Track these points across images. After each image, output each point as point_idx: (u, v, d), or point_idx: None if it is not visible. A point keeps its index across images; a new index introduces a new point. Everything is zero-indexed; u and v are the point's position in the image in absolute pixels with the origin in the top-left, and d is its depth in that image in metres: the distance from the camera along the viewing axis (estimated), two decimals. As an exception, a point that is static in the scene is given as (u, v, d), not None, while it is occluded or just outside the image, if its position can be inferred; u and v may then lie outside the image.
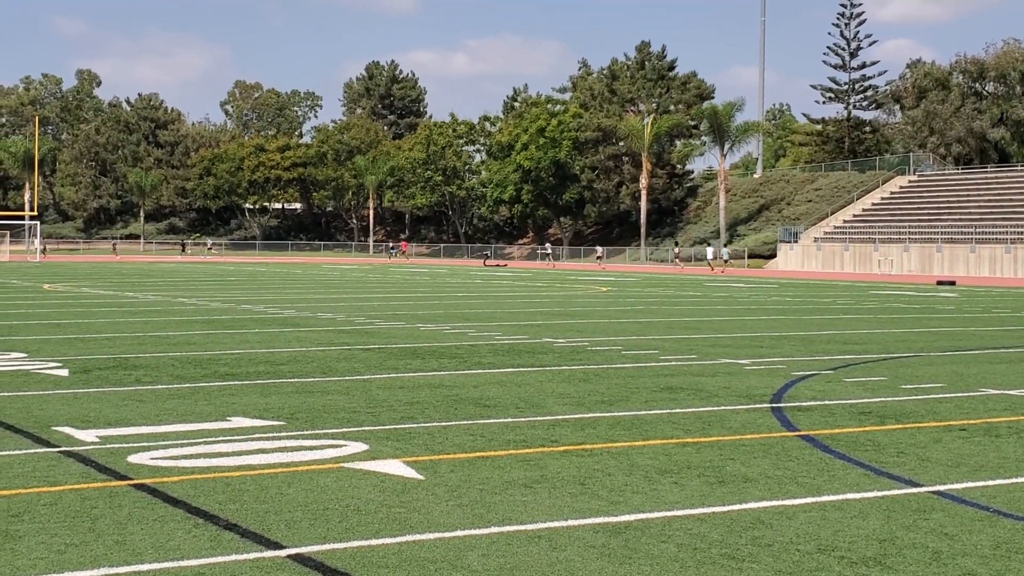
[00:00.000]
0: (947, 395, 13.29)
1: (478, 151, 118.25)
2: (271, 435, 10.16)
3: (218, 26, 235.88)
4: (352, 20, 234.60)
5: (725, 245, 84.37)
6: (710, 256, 77.45)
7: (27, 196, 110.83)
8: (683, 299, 34.98)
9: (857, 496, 8.02)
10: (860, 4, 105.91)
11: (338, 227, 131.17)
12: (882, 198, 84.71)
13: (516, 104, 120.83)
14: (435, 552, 6.48)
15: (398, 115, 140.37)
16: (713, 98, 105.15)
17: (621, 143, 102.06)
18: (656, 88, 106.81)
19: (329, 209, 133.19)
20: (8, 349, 17.65)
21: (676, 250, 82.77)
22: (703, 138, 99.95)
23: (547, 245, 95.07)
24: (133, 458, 9.05)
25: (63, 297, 33.44)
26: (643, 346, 18.92)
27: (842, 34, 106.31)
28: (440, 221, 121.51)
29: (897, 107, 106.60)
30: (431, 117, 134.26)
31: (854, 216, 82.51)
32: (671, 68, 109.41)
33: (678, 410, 11.89)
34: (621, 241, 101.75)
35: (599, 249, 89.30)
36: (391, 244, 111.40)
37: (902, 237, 73.17)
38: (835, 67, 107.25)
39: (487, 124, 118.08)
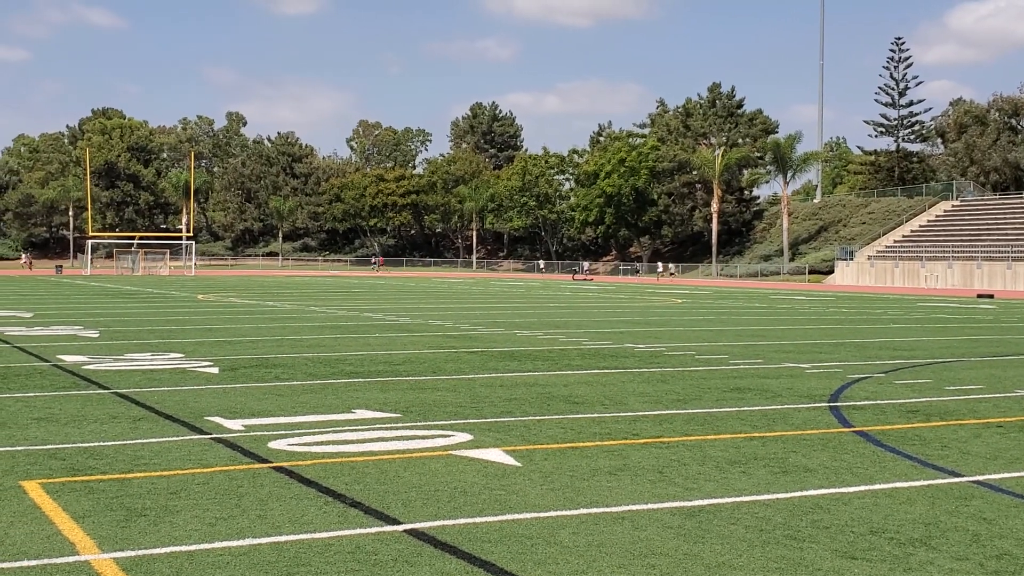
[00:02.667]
0: (986, 396, 12.99)
1: (567, 179, 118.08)
2: (389, 426, 10.24)
3: (345, 74, 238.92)
4: (459, 67, 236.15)
5: (791, 260, 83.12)
6: (660, 269, 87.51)
7: (184, 220, 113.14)
8: (750, 310, 34.61)
9: (905, 485, 7.88)
10: (907, 49, 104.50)
11: (445, 246, 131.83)
12: (928, 221, 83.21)
13: (600, 138, 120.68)
14: (531, 530, 6.49)
15: (498, 149, 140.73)
16: (777, 132, 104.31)
17: (694, 172, 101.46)
18: (726, 124, 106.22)
19: (438, 230, 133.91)
20: (168, 350, 18.03)
21: (661, 267, 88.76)
22: (768, 167, 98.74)
23: (659, 264, 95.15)
24: (273, 444, 9.18)
25: (214, 306, 34.04)
26: (714, 351, 18.75)
27: (891, 76, 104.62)
28: (534, 241, 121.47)
29: (940, 140, 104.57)
30: (526, 150, 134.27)
31: (903, 236, 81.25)
32: (739, 106, 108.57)
33: (746, 408, 11.77)
34: (694, 259, 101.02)
35: (660, 265, 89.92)
36: (373, 259, 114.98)
37: (946, 255, 71.81)
38: (886, 105, 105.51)
39: (575, 156, 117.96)
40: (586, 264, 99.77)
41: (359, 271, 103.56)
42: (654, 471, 8.25)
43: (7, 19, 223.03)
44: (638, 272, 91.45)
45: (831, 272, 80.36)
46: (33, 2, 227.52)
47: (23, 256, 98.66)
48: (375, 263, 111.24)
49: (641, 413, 11.27)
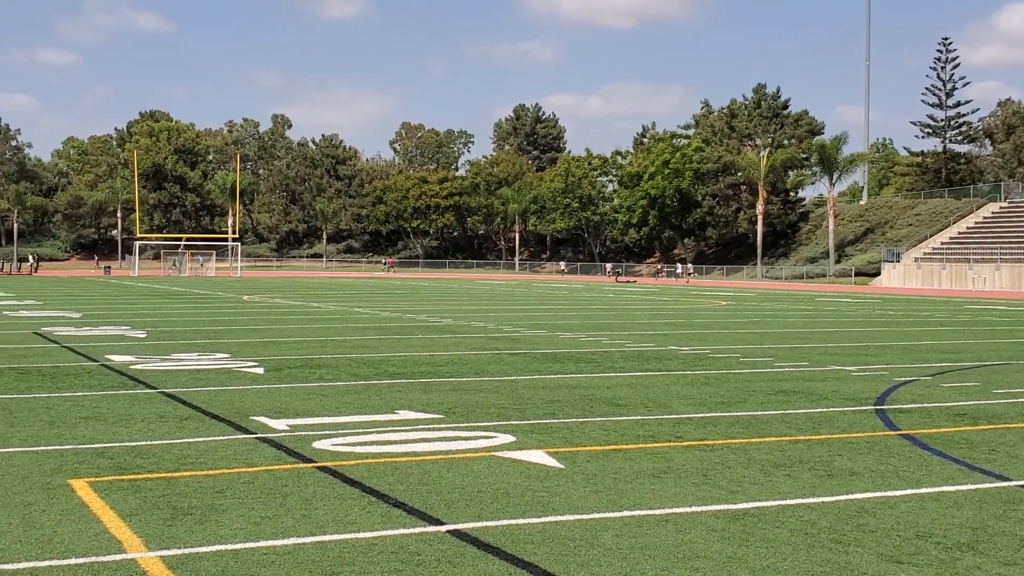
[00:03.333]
0: (1036, 400, 12.80)
1: (610, 181, 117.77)
2: (432, 426, 10.27)
3: (389, 77, 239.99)
4: (502, 69, 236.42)
5: (837, 262, 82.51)
6: (679, 271, 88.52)
7: (230, 221, 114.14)
8: (795, 312, 34.37)
9: (952, 488, 7.79)
10: (954, 49, 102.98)
11: (488, 248, 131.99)
12: (976, 222, 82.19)
13: (644, 140, 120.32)
14: (574, 532, 6.48)
15: (541, 151, 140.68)
16: (823, 133, 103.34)
17: (739, 174, 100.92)
18: (771, 125, 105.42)
19: (481, 232, 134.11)
20: (215, 350, 18.19)
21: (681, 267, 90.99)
22: (814, 169, 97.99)
23: (677, 265, 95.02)
24: (317, 444, 9.23)
25: (259, 307, 34.31)
26: (759, 354, 18.64)
27: (939, 76, 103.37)
28: (577, 243, 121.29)
29: (988, 141, 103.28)
30: (569, 152, 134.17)
31: (951, 238, 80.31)
32: (785, 107, 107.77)
33: (791, 411, 11.69)
34: (739, 260, 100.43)
35: (679, 267, 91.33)
36: (383, 261, 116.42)
37: (994, 257, 70.91)
38: (932, 106, 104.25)
39: (618, 157, 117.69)
40: (608, 267, 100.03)
41: (401, 273, 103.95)
42: (698, 474, 8.22)
43: (57, 23, 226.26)
44: (678, 275, 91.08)
45: (877, 274, 79.65)
46: (83, 6, 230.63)
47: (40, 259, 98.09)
48: (386, 265, 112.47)
49: (685, 416, 11.23)
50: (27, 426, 10.09)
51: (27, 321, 25.63)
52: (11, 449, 8.93)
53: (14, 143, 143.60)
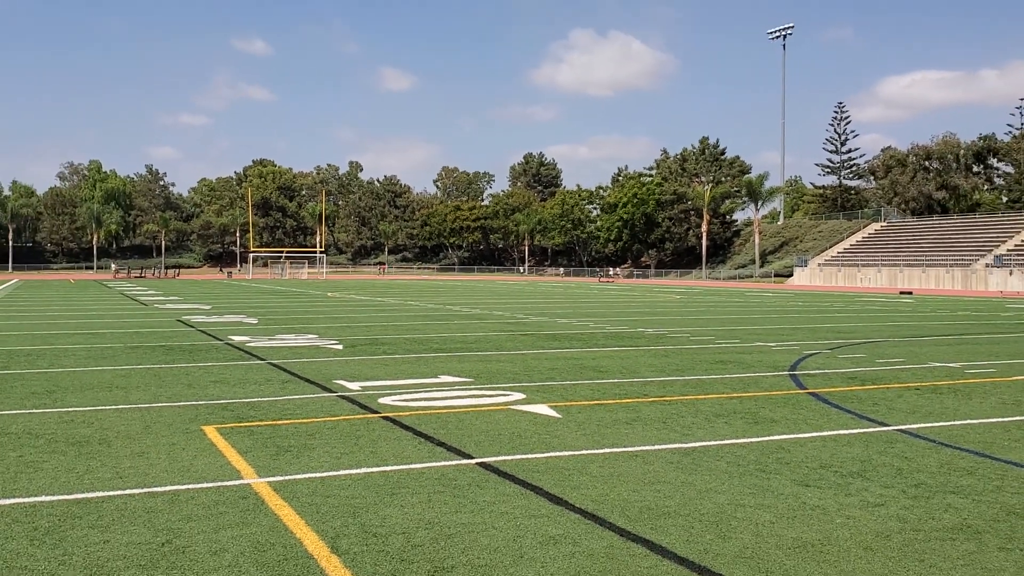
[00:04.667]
0: (907, 366, 12.71)
1: (594, 208, 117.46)
2: (465, 387, 10.27)
3: (432, 132, 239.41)
4: (515, 126, 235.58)
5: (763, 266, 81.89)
6: (611, 273, 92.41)
7: (317, 239, 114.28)
8: (731, 304, 34.23)
9: (846, 432, 7.75)
10: (847, 110, 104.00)
11: (505, 257, 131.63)
12: (863, 237, 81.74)
13: (620, 178, 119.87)
14: (569, 463, 6.47)
15: (544, 186, 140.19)
16: (750, 172, 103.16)
17: (689, 202, 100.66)
18: (712, 166, 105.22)
19: (500, 246, 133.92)
20: (307, 332, 18.21)
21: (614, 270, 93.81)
22: (743, 198, 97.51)
23: (609, 269, 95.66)
24: (382, 400, 9.24)
25: (339, 301, 34.35)
26: (703, 334, 18.57)
27: (835, 130, 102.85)
28: (570, 254, 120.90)
29: (872, 177, 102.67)
30: (564, 187, 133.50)
31: (845, 249, 79.90)
32: (722, 153, 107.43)
33: (727, 376, 11.64)
34: (689, 265, 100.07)
35: (611, 270, 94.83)
36: (379, 264, 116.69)
37: (876, 263, 70.57)
38: (831, 151, 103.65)
39: (600, 191, 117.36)
40: (608, 271, 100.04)
41: (442, 276, 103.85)
42: (659, 422, 8.20)
43: (192, 95, 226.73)
44: (644, 276, 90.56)
45: (791, 275, 79.19)
46: (210, 83, 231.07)
47: (114, 266, 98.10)
48: (381, 269, 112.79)
49: (650, 379, 11.20)
50: (171, 387, 10.14)
51: (171, 312, 25.72)
52: (160, 404, 8.98)
53: (161, 183, 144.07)
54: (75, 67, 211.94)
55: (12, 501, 5.38)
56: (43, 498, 5.45)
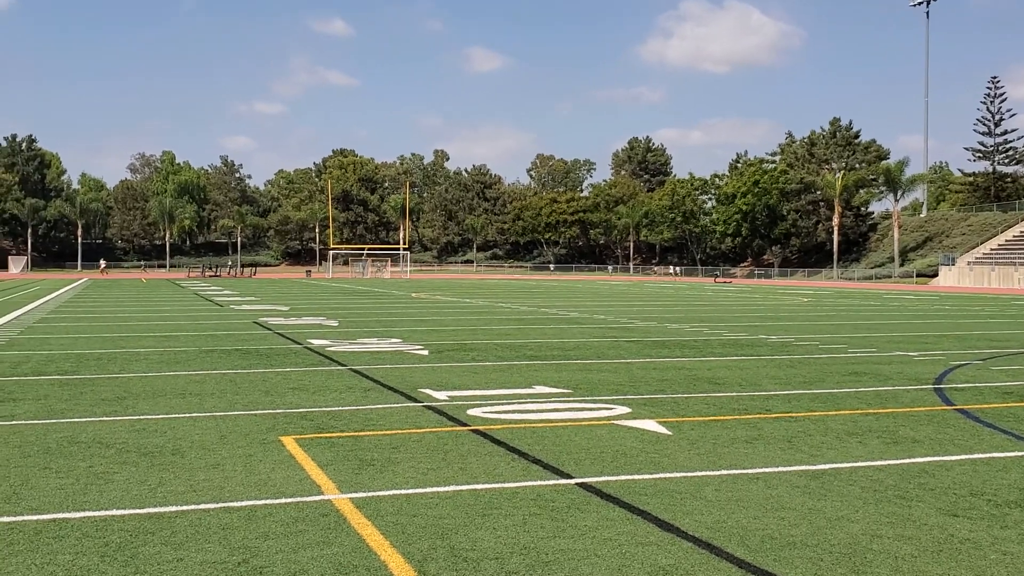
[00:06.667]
0: (1081, 383, 12.09)
1: (709, 199, 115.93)
2: (562, 399, 10.27)
3: (526, 117, 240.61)
4: (618, 109, 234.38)
5: (902, 265, 79.38)
6: (672, 271, 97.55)
7: (401, 235, 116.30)
8: (865, 308, 33.22)
9: (1001, 455, 7.42)
10: (1002, 86, 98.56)
11: (607, 255, 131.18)
12: (1021, 231, 78.21)
13: (738, 165, 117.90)
14: (680, 486, 6.40)
15: (651, 175, 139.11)
16: (888, 158, 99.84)
17: (818, 192, 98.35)
18: (844, 151, 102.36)
19: (601, 242, 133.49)
20: (390, 336, 18.53)
21: (674, 269, 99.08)
22: (881, 188, 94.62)
23: (671, 267, 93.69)
24: (471, 411, 9.33)
25: (424, 302, 34.82)
26: (835, 342, 18.07)
27: (988, 109, 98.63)
28: (681, 250, 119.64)
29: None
30: (674, 175, 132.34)
31: (999, 245, 76.56)
32: (856, 136, 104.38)
33: (862, 389, 11.30)
34: (818, 264, 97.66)
35: (672, 268, 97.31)
36: (466, 262, 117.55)
37: (1041, 261, 67.38)
38: (983, 134, 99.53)
39: (716, 179, 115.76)
40: (671, 269, 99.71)
41: (536, 275, 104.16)
42: (784, 440, 8.03)
43: (268, 81, 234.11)
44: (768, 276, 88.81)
45: (935, 275, 76.39)
46: (288, 68, 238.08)
47: (101, 262, 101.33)
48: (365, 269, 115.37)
49: (773, 392, 10.98)
50: (248, 394, 10.47)
51: (248, 313, 26.58)
52: (236, 412, 9.28)
53: (237, 175, 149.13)
54: (145, 53, 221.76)
55: (82, 515, 5.66)
56: (114, 512, 5.71)
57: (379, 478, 6.54)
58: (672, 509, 5.81)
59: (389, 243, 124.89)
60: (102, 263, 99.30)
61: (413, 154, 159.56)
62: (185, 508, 5.79)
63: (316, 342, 17.00)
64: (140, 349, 15.71)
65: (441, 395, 10.43)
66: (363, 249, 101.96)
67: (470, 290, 49.61)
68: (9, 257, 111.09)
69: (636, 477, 6.63)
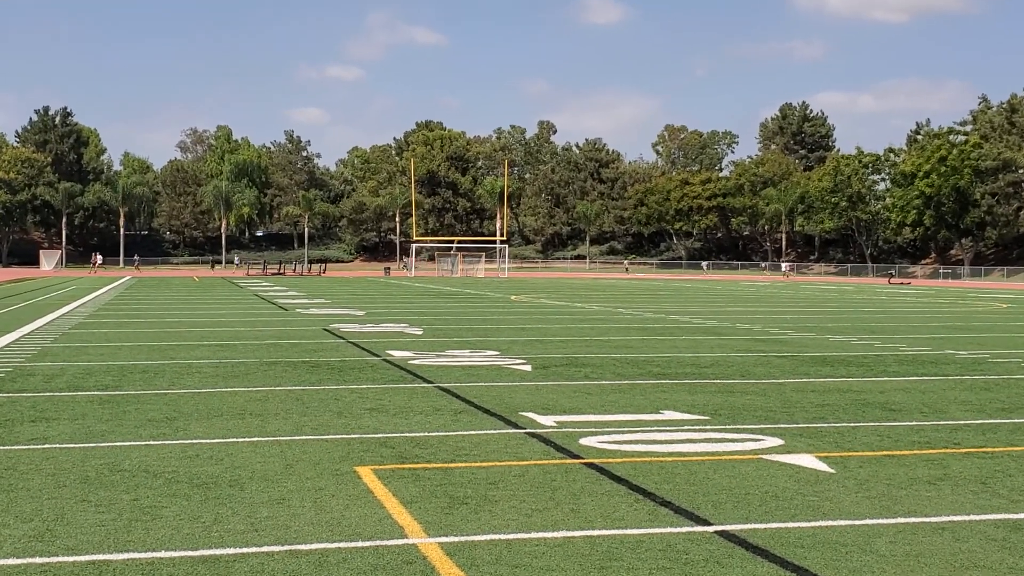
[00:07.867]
0: None
1: (882, 179, 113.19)
2: (698, 427, 10.19)
3: (651, 80, 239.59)
4: (767, 68, 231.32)
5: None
6: (784, 269, 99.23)
7: (498, 224, 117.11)
8: (1084, 316, 31.92)
9: None
10: None
11: (753, 249, 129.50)
12: None
13: (918, 137, 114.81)
14: (846, 537, 6.29)
15: (808, 149, 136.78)
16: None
17: (1021, 171, 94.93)
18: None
19: (745, 233, 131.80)
20: (485, 347, 18.68)
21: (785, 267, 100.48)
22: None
23: (782, 264, 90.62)
24: (584, 440, 9.34)
25: (526, 306, 34.97)
26: (1044, 359, 17.44)
27: None
28: (847, 243, 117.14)
29: None
30: (838, 150, 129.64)
31: None
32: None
33: (1081, 420, 10.88)
34: (1019, 261, 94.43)
35: (783, 266, 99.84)
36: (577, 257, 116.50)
37: None
38: None
39: (891, 155, 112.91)
40: (783, 266, 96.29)
41: (664, 274, 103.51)
42: (976, 482, 7.79)
43: (343, 43, 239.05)
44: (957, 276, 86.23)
45: None
46: (365, 25, 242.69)
47: (95, 257, 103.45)
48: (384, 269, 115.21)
49: (963, 422, 10.66)
50: (317, 415, 10.71)
51: (317, 318, 27.15)
52: (304, 437, 9.50)
53: (304, 154, 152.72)
54: (197, 11, 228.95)
55: (126, 556, 5.88)
56: (162, 553, 5.92)
57: (473, 520, 6.60)
58: (836, 565, 5.71)
59: (483, 234, 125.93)
60: (96, 258, 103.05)
61: (513, 127, 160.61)
62: (245, 550, 5.96)
63: (397, 354, 17.26)
64: (192, 361, 16.23)
65: (547, 420, 10.47)
66: (452, 242, 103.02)
67: (582, 292, 49.59)
68: (40, 252, 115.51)
69: (790, 525, 6.54)
